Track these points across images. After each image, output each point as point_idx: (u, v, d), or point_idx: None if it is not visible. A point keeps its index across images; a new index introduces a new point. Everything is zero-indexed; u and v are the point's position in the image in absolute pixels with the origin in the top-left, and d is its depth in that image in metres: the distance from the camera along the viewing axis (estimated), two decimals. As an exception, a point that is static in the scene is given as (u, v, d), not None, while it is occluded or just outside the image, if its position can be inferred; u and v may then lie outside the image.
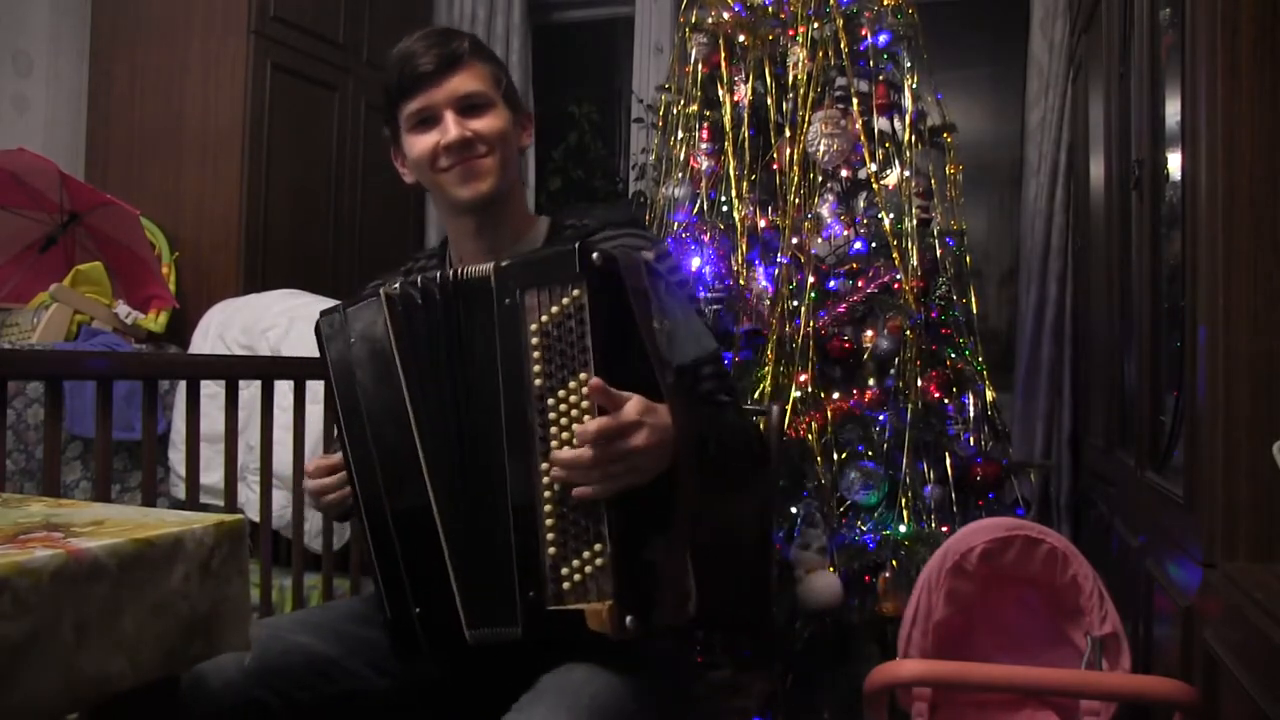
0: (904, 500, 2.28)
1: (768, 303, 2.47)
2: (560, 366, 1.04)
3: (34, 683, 0.67)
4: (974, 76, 3.90)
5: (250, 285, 3.13)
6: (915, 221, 2.51)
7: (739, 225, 2.54)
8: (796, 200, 2.49)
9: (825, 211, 2.49)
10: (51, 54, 3.37)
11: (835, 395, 2.38)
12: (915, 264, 2.46)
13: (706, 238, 2.57)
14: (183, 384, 2.03)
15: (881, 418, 2.34)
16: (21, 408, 2.56)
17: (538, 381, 1.05)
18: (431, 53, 1.26)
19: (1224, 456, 1.28)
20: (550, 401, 1.04)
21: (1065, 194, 3.29)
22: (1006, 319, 3.69)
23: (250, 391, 2.35)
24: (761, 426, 1.53)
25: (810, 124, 2.49)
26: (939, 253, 2.57)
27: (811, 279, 2.44)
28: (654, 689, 1.11)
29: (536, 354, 1.05)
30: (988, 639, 1.78)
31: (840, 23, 2.57)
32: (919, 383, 2.38)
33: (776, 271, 2.48)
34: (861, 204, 2.53)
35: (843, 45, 2.55)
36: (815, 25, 2.57)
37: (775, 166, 2.57)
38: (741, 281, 2.51)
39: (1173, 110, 1.66)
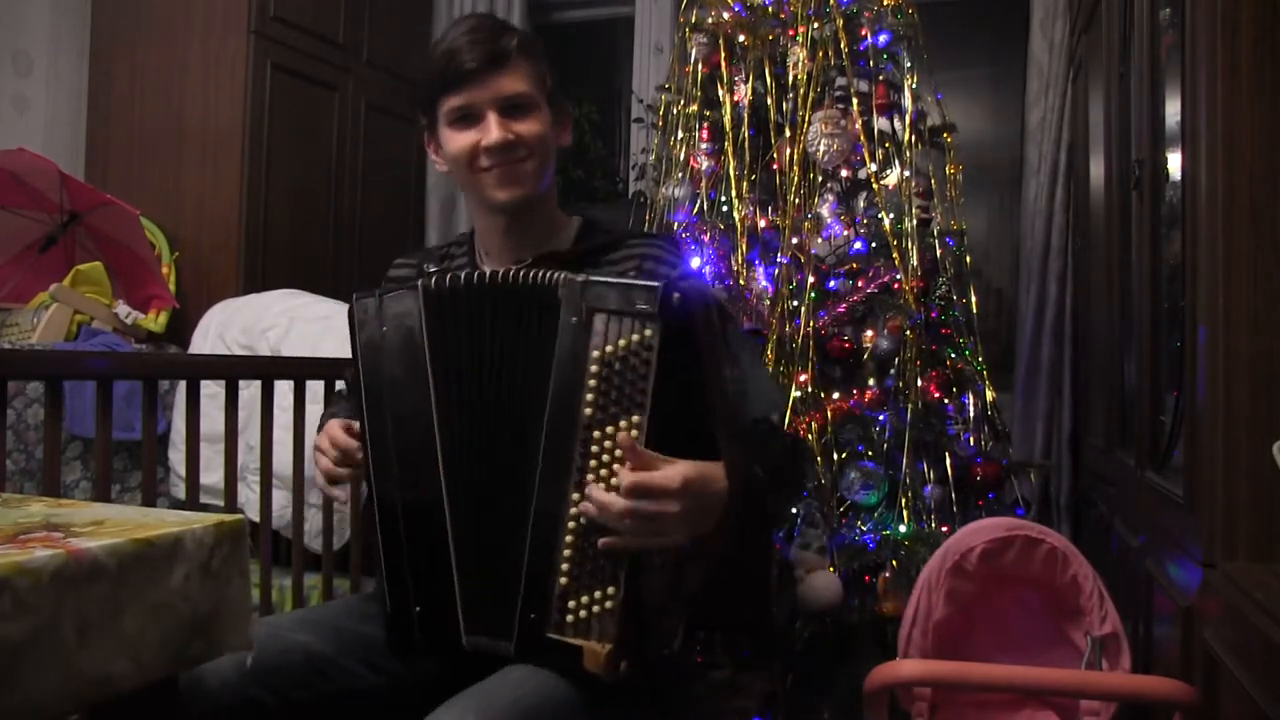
0: (904, 500, 2.28)
1: (768, 303, 2.47)
2: (614, 402, 1.01)
3: (35, 683, 0.67)
4: (974, 76, 3.90)
5: (250, 285, 3.13)
6: (915, 221, 2.51)
7: (739, 225, 2.53)
8: (796, 200, 2.49)
9: (825, 211, 2.49)
10: (51, 54, 3.37)
11: (835, 395, 2.38)
12: (915, 264, 2.46)
13: (706, 238, 2.57)
14: (183, 384, 2.03)
15: (881, 418, 2.34)
16: (21, 408, 2.56)
17: (587, 411, 1.02)
18: (478, 49, 1.23)
19: (1224, 456, 1.28)
20: (596, 434, 1.02)
21: (1065, 194, 3.29)
22: (1006, 319, 3.69)
23: (250, 391, 2.35)
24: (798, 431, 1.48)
25: (810, 124, 2.49)
26: (939, 253, 2.57)
27: (811, 279, 2.44)
28: (614, 692, 1.09)
29: (592, 382, 1.02)
30: (988, 639, 1.78)
31: (840, 23, 2.57)
32: (919, 383, 2.38)
33: (776, 271, 2.48)
34: (861, 204, 2.53)
35: (843, 45, 2.55)
36: (815, 25, 2.57)
37: (775, 166, 2.57)
38: (741, 281, 2.51)
39: (1173, 110, 1.66)
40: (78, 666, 0.70)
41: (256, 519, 2.17)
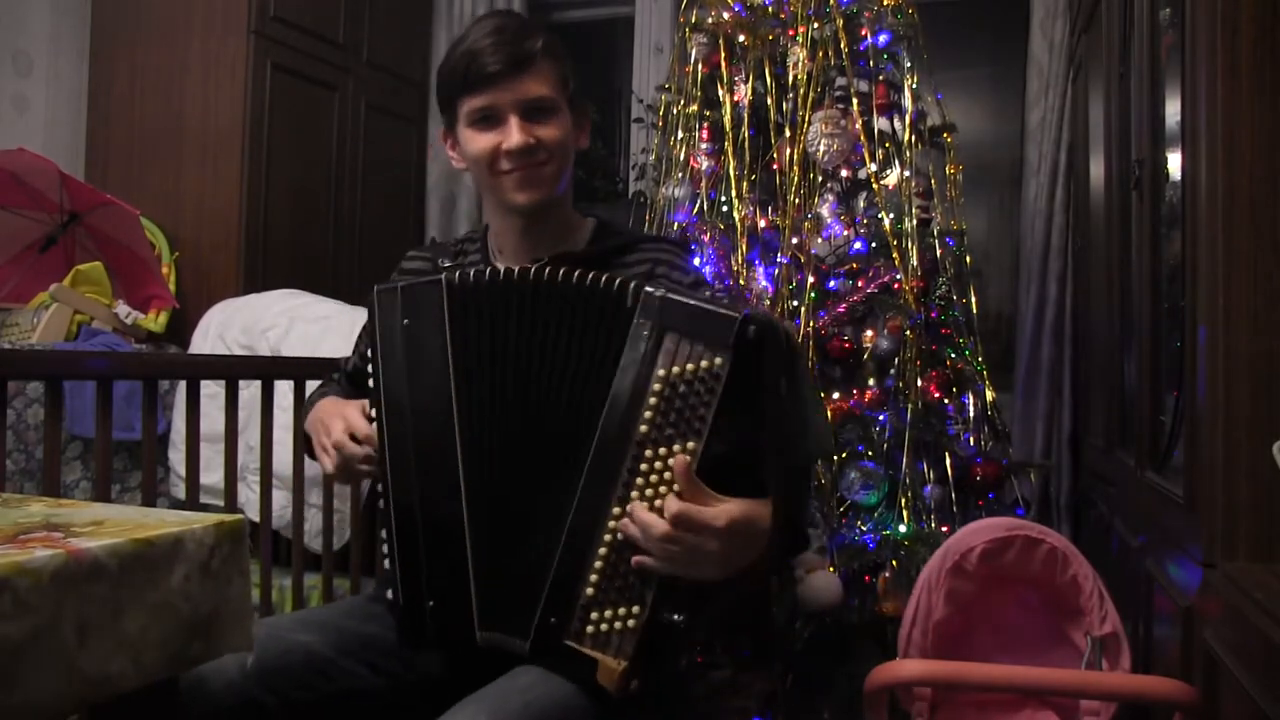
0: (904, 500, 2.28)
1: (768, 303, 2.47)
2: (672, 424, 1.00)
3: (35, 683, 0.67)
4: (974, 76, 3.90)
5: (250, 285, 3.13)
6: (915, 221, 2.51)
7: (739, 225, 2.53)
8: (796, 200, 2.49)
9: (825, 211, 2.49)
10: (51, 54, 3.37)
11: (835, 395, 2.38)
12: (915, 264, 2.46)
13: (706, 238, 2.57)
14: (183, 384, 2.03)
15: (881, 418, 2.34)
16: (21, 408, 2.56)
17: (643, 428, 1.01)
18: (501, 51, 1.22)
19: (1224, 456, 1.28)
20: (648, 453, 1.01)
21: (1065, 194, 3.29)
22: (1006, 319, 3.69)
23: (250, 391, 2.35)
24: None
25: (810, 124, 2.49)
26: (939, 253, 2.57)
27: (811, 279, 2.44)
28: (617, 713, 1.08)
29: (653, 400, 1.00)
30: (988, 639, 1.78)
31: (840, 23, 2.57)
32: (919, 383, 2.38)
33: (776, 271, 2.48)
34: (861, 204, 2.53)
35: (843, 45, 2.55)
36: (815, 25, 2.57)
37: (775, 166, 2.57)
38: (741, 281, 2.51)
39: (1173, 110, 1.66)
40: (78, 666, 0.70)
41: (256, 519, 2.17)
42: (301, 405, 2.13)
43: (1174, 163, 1.67)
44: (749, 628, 1.57)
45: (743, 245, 2.53)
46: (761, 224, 2.57)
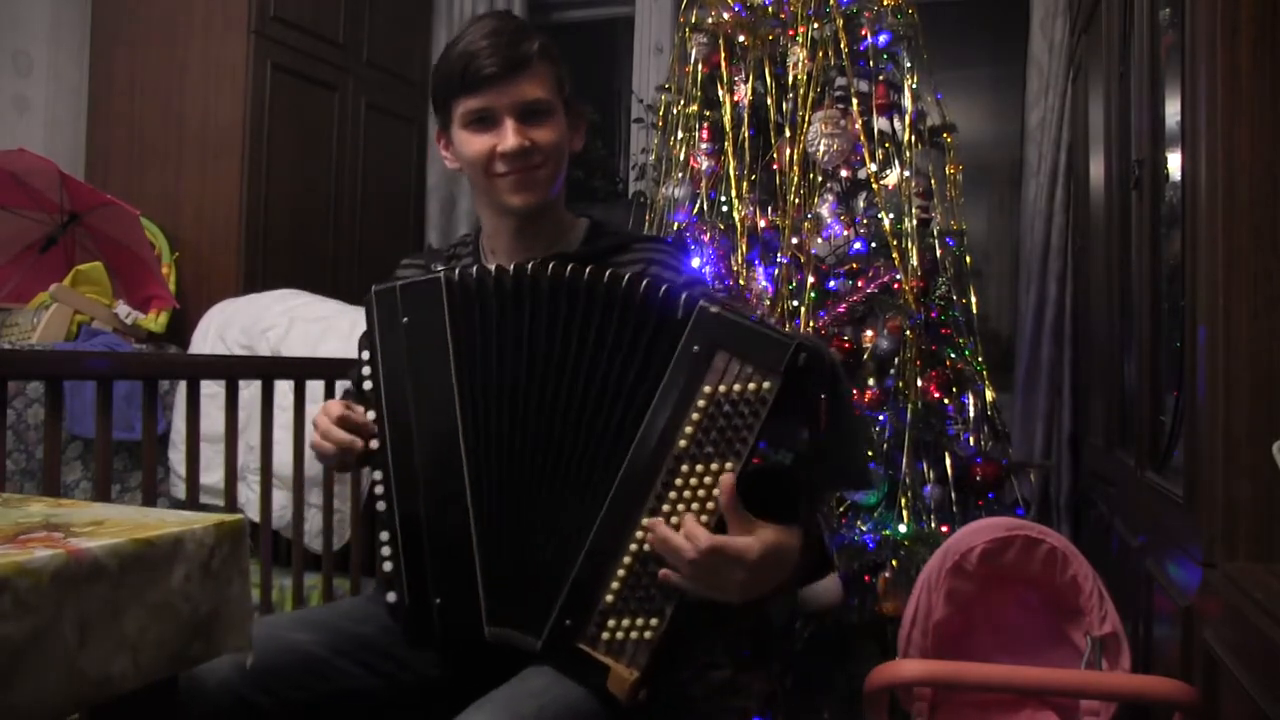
0: (904, 500, 2.28)
1: (768, 303, 2.47)
2: (712, 442, 0.99)
3: (35, 683, 0.67)
4: (974, 76, 3.90)
5: (250, 285, 3.13)
6: (915, 221, 2.51)
7: (739, 225, 2.54)
8: (796, 200, 2.49)
9: (825, 211, 2.49)
10: (51, 54, 3.37)
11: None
12: (915, 264, 2.46)
13: (706, 238, 2.57)
14: (183, 384, 2.03)
15: (881, 418, 2.34)
16: (21, 408, 2.56)
17: (682, 443, 1.00)
18: (498, 54, 1.22)
19: (1224, 456, 1.28)
20: (684, 468, 1.00)
21: (1065, 194, 3.29)
22: (1006, 319, 3.69)
23: (250, 391, 2.35)
24: None
25: (810, 124, 2.49)
26: (939, 253, 2.57)
27: (811, 279, 2.44)
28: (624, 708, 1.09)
29: (696, 416, 1.00)
30: (988, 639, 1.78)
31: (840, 23, 2.57)
32: (919, 383, 2.38)
33: (776, 271, 2.48)
34: (861, 204, 2.53)
35: (843, 45, 2.55)
36: (815, 25, 2.57)
37: (775, 166, 2.57)
38: (741, 281, 2.51)
39: (1173, 110, 1.66)
40: (78, 666, 0.70)
41: (256, 519, 2.17)
42: (302, 405, 2.14)
43: (1174, 163, 1.67)
44: (749, 628, 1.58)
45: (743, 245, 2.53)
46: (761, 224, 2.57)
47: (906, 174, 2.55)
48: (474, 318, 1.12)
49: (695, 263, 2.54)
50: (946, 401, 2.44)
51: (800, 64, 2.55)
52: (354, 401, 1.25)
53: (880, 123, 2.57)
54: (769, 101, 2.61)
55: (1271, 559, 1.24)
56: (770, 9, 2.67)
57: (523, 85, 1.24)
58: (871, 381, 2.41)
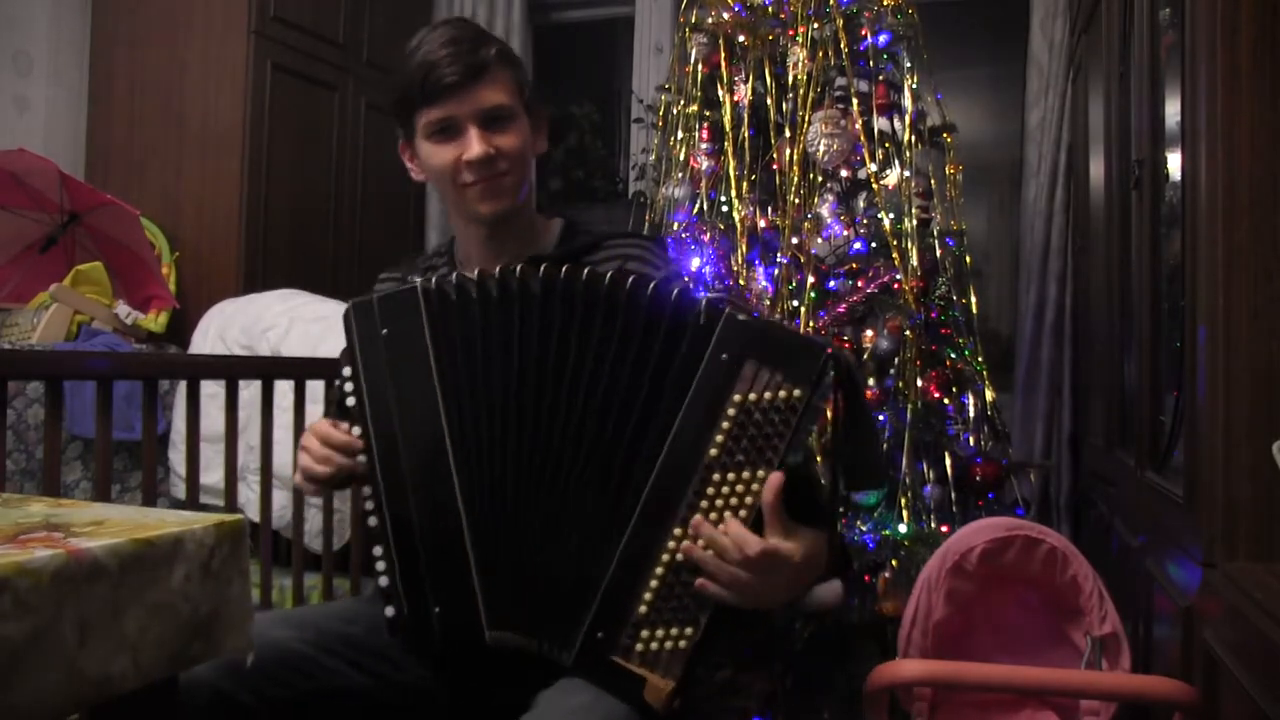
0: (904, 500, 2.28)
1: (768, 303, 2.47)
2: (743, 450, 0.99)
3: (35, 683, 0.67)
4: (974, 76, 3.90)
5: (250, 285, 3.13)
6: (915, 221, 2.51)
7: (739, 225, 2.53)
8: (796, 200, 2.49)
9: (825, 211, 2.49)
10: (51, 54, 3.37)
11: (835, 395, 2.37)
12: (915, 264, 2.46)
13: (706, 238, 2.57)
14: (183, 384, 2.03)
15: (881, 418, 2.34)
16: (21, 408, 2.56)
17: (713, 451, 1.00)
18: (459, 62, 1.21)
19: (1224, 456, 1.28)
20: (715, 477, 1.00)
21: (1065, 194, 3.29)
22: (1006, 319, 3.69)
23: (250, 391, 2.35)
24: None
25: (810, 124, 2.49)
26: (939, 253, 2.57)
27: (811, 279, 2.44)
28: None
29: (725, 424, 1.00)
30: (988, 639, 1.78)
31: (840, 23, 2.57)
32: (919, 383, 2.38)
33: (776, 271, 2.48)
34: (861, 204, 2.53)
35: (843, 45, 2.55)
36: (815, 25, 2.57)
37: (775, 166, 2.57)
38: (741, 281, 2.51)
39: (1173, 110, 1.66)
40: (78, 666, 0.70)
41: (256, 519, 2.17)
42: (302, 405, 2.14)
43: (1174, 163, 1.67)
44: (749, 628, 1.57)
45: (743, 245, 2.53)
46: (761, 224, 2.57)
47: (906, 174, 2.55)
48: (455, 324, 1.11)
49: (695, 263, 2.54)
50: (946, 401, 2.44)
51: (800, 64, 2.55)
52: (337, 418, 1.25)
53: (880, 123, 2.57)
54: (769, 101, 2.61)
55: (1271, 559, 1.24)
56: (770, 9, 2.67)
57: (484, 92, 1.23)
58: (871, 381, 2.41)
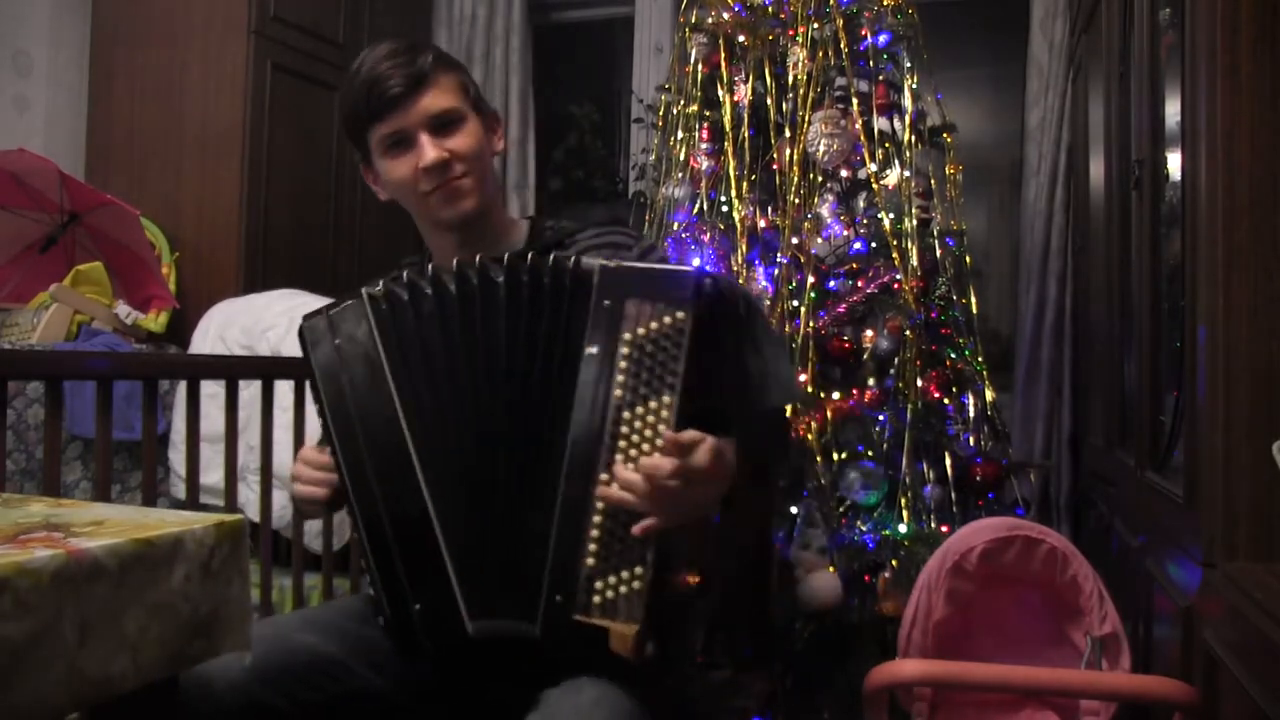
0: (904, 500, 2.28)
1: (768, 303, 2.47)
2: (644, 383, 1.02)
3: (35, 683, 0.67)
4: (974, 76, 3.90)
5: (250, 285, 3.13)
6: (915, 221, 2.51)
7: (739, 225, 2.54)
8: (796, 200, 2.49)
9: (825, 211, 2.49)
10: (51, 54, 3.37)
11: (835, 395, 2.38)
12: (915, 264, 2.46)
13: (706, 238, 2.57)
14: (183, 384, 2.03)
15: (881, 418, 2.34)
16: (21, 408, 2.56)
17: (618, 393, 1.03)
18: (399, 73, 1.24)
19: (1224, 456, 1.28)
20: (625, 415, 1.03)
21: (1065, 194, 3.29)
22: (1006, 319, 3.69)
23: (250, 391, 2.35)
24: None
25: (810, 124, 2.49)
26: (939, 253, 2.57)
27: (811, 279, 2.44)
28: (658, 699, 1.10)
29: (623, 364, 1.03)
30: (988, 639, 1.78)
31: (840, 23, 2.57)
32: (919, 383, 2.39)
33: (776, 271, 2.48)
34: (861, 204, 2.53)
35: (843, 45, 2.55)
36: (815, 25, 2.57)
37: (775, 166, 2.57)
38: (741, 281, 2.51)
39: (1173, 110, 1.66)
40: (78, 666, 0.70)
41: (256, 519, 2.17)
42: (302, 405, 2.14)
43: (1174, 163, 1.67)
44: (749, 628, 1.58)
45: (743, 245, 2.53)
46: (761, 224, 2.57)
47: (906, 174, 2.55)
48: (406, 325, 1.15)
49: (695, 263, 2.54)
50: (946, 401, 2.44)
51: (800, 64, 2.55)
52: (322, 440, 1.26)
53: (880, 123, 2.57)
54: (769, 101, 2.61)
55: (1271, 559, 1.24)
56: (770, 9, 2.67)
57: (429, 98, 1.25)
58: (871, 381, 2.41)
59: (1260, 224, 1.27)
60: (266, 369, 2.14)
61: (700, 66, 2.72)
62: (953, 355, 2.51)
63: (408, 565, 1.14)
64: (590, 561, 1.04)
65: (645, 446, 1.02)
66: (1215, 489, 1.29)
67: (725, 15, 2.69)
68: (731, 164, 2.59)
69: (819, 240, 2.46)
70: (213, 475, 2.34)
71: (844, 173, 2.53)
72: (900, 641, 1.72)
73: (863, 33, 2.60)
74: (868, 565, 2.21)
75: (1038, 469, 3.17)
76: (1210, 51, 1.31)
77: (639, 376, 1.03)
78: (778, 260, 2.48)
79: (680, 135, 2.72)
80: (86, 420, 2.49)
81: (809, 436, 2.30)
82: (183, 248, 3.23)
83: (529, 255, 1.11)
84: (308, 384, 2.12)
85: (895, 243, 2.45)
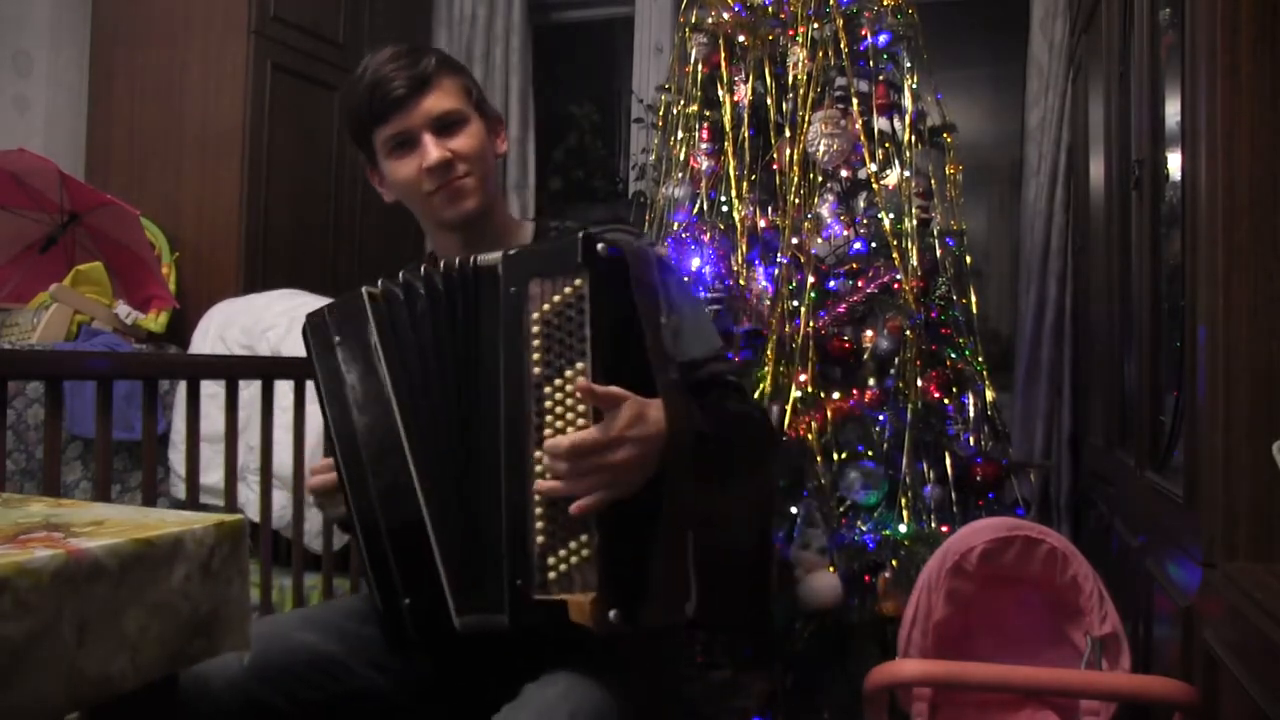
0: (904, 500, 2.28)
1: (768, 303, 2.47)
2: (558, 355, 1.04)
3: (35, 683, 0.67)
4: (974, 76, 3.90)
5: (250, 285, 3.13)
6: (915, 221, 2.51)
7: (739, 225, 2.53)
8: (796, 200, 2.49)
9: (825, 211, 2.49)
10: (51, 54, 3.37)
11: (835, 395, 2.38)
12: (915, 264, 2.46)
13: (706, 238, 2.57)
14: (183, 384, 2.03)
15: (881, 418, 2.34)
16: (21, 408, 2.56)
17: (536, 370, 1.05)
18: (402, 75, 1.25)
19: (1224, 456, 1.28)
20: (547, 390, 1.05)
21: (1065, 194, 3.29)
22: (1006, 319, 3.69)
23: (250, 391, 2.35)
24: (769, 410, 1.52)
25: (810, 124, 2.49)
26: (939, 253, 2.57)
27: (811, 279, 2.44)
28: (642, 694, 1.10)
29: (536, 342, 1.05)
30: (988, 639, 1.78)
31: (840, 23, 2.57)
32: (919, 383, 2.38)
33: (776, 271, 2.48)
34: (861, 204, 2.53)
35: (843, 45, 2.55)
36: (815, 25, 2.57)
37: (775, 166, 2.57)
38: (741, 281, 2.51)
39: (1173, 110, 1.66)
40: (79, 667, 0.70)
41: (256, 519, 2.16)
42: (302, 405, 2.14)
43: (1174, 163, 1.67)
44: (749, 628, 1.58)
45: (743, 245, 2.53)
46: (761, 224, 2.57)
47: (906, 174, 2.55)
48: (401, 322, 1.16)
49: (695, 263, 2.54)
50: (946, 401, 2.44)
51: (800, 64, 2.55)
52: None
53: (880, 123, 2.57)
54: (769, 101, 2.61)
55: (1271, 559, 1.24)
56: (770, 9, 2.67)
57: (432, 100, 1.27)
58: (871, 381, 2.41)
59: (1260, 224, 1.27)
60: (266, 369, 2.14)
61: (700, 66, 2.72)
62: (953, 355, 2.51)
63: (399, 558, 1.16)
64: (540, 540, 1.05)
65: (570, 416, 1.03)
66: (1215, 489, 1.29)
67: (725, 15, 2.69)
68: (731, 164, 2.59)
69: (819, 240, 2.46)
70: (213, 475, 2.34)
71: (844, 173, 2.53)
72: (900, 641, 1.72)
73: (863, 33, 2.60)
74: (868, 565, 2.21)
75: (1038, 469, 3.17)
76: (1210, 51, 1.31)
77: (552, 350, 1.05)
78: (778, 260, 2.48)
79: (680, 135, 2.72)
80: (86, 420, 2.49)
81: (809, 436, 2.30)
82: (183, 248, 3.23)
83: (483, 259, 1.13)
84: (309, 383, 2.14)
85: (895, 243, 2.45)
